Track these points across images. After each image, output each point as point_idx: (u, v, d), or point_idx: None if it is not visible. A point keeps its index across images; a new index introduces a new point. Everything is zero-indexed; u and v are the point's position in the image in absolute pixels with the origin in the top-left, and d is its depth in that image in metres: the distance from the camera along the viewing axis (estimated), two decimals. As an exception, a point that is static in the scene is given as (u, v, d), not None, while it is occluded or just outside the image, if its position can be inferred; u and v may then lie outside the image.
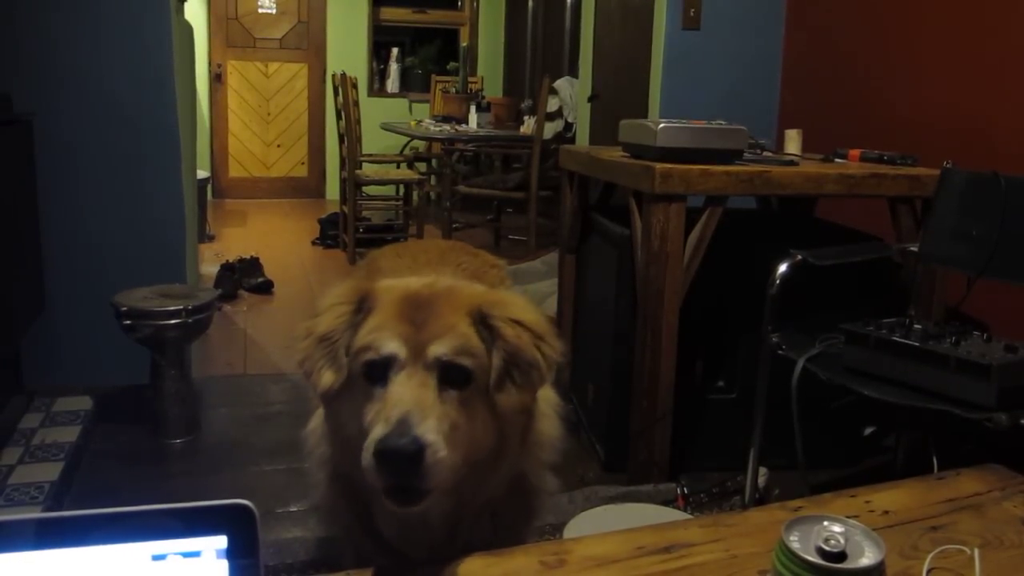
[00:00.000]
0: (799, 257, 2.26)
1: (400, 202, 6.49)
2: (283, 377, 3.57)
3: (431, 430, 1.09)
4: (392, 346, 1.18)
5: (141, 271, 3.20)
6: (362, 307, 1.27)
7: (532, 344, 1.20)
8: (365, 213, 6.53)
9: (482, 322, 1.21)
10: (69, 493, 2.52)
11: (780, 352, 2.21)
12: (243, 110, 8.56)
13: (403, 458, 1.06)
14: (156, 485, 2.66)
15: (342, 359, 1.24)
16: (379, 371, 1.18)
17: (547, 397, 1.38)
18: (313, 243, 6.41)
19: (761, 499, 2.50)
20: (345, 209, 6.06)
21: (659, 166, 2.37)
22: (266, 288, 4.96)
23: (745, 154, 2.62)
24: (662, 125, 2.42)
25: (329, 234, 6.34)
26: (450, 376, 1.16)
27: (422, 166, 7.48)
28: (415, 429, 1.07)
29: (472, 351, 1.17)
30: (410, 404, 1.11)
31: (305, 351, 1.29)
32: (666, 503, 2.54)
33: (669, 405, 2.57)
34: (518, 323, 1.21)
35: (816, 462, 2.42)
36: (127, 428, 2.97)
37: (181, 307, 2.82)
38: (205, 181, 6.38)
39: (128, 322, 2.80)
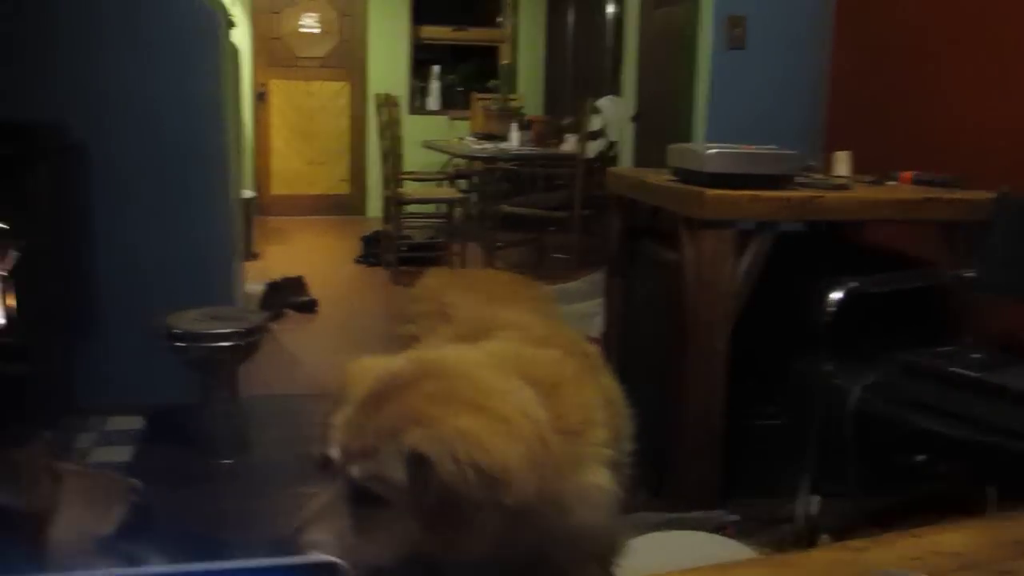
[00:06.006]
0: (853, 285, 2.24)
1: (442, 220, 6.51)
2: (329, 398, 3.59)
3: (313, 545, 1.15)
4: (331, 452, 1.21)
5: (189, 292, 3.23)
6: (342, 392, 1.27)
7: (481, 487, 1.09)
8: (406, 231, 6.56)
9: (415, 454, 1.12)
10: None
11: (834, 381, 2.19)
12: (285, 128, 8.65)
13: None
14: (207, 507, 2.68)
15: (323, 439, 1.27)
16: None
17: (596, 483, 1.28)
18: (356, 261, 6.45)
19: (812, 528, 2.47)
20: (388, 227, 6.09)
21: (708, 192, 2.36)
22: (310, 307, 5.00)
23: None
24: (711, 150, 2.41)
25: (372, 252, 6.38)
26: (364, 495, 1.17)
27: (461, 184, 7.50)
28: (305, 536, 1.16)
29: (386, 480, 1.14)
30: (310, 516, 1.18)
31: None
32: (715, 531, 2.52)
33: (718, 433, 2.55)
34: (471, 464, 1.09)
35: (862, 489, 2.38)
36: (177, 448, 3.00)
37: (233, 330, 2.85)
38: (250, 200, 6.44)
39: (181, 344, 2.83)
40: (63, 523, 1.10)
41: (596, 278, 4.89)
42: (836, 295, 2.24)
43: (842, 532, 2.54)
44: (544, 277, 5.53)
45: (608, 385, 1.46)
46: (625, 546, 1.49)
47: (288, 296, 4.97)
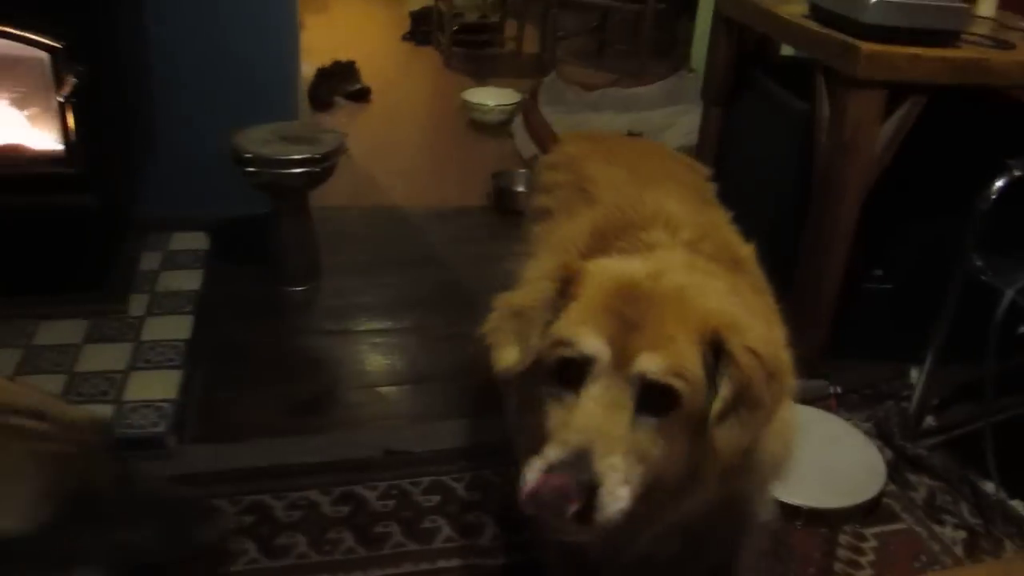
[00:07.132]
0: (1019, 173, 1.99)
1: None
2: (399, 213, 3.46)
3: (612, 468, 0.98)
4: (595, 346, 1.04)
5: (252, 97, 2.98)
6: (566, 289, 1.11)
7: (763, 381, 1.05)
8: (458, 8, 6.10)
9: (713, 344, 1.05)
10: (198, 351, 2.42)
11: (983, 278, 1.99)
12: None
13: (565, 496, 0.96)
14: (280, 342, 2.57)
15: (533, 341, 1.10)
16: (574, 373, 1.05)
17: (784, 416, 1.20)
18: (403, 38, 6.03)
19: (921, 404, 2.34)
20: (439, 3, 5.66)
21: (864, 46, 2.06)
22: (363, 96, 4.70)
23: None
24: (876, -2, 2.07)
25: (420, 29, 5.96)
26: (653, 398, 1.02)
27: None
28: (593, 466, 0.97)
29: (686, 374, 1.02)
30: (596, 432, 0.99)
31: (494, 322, 1.16)
32: (816, 402, 2.43)
33: (832, 304, 2.40)
34: (755, 354, 1.05)
35: (953, 355, 2.23)
36: (246, 272, 2.85)
37: (306, 155, 2.63)
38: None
39: (251, 169, 2.62)
40: None
41: (671, 84, 4.56)
42: (998, 183, 1.99)
43: (944, 409, 2.44)
44: (605, 72, 5.18)
45: (774, 307, 1.35)
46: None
47: (339, 84, 4.65)
